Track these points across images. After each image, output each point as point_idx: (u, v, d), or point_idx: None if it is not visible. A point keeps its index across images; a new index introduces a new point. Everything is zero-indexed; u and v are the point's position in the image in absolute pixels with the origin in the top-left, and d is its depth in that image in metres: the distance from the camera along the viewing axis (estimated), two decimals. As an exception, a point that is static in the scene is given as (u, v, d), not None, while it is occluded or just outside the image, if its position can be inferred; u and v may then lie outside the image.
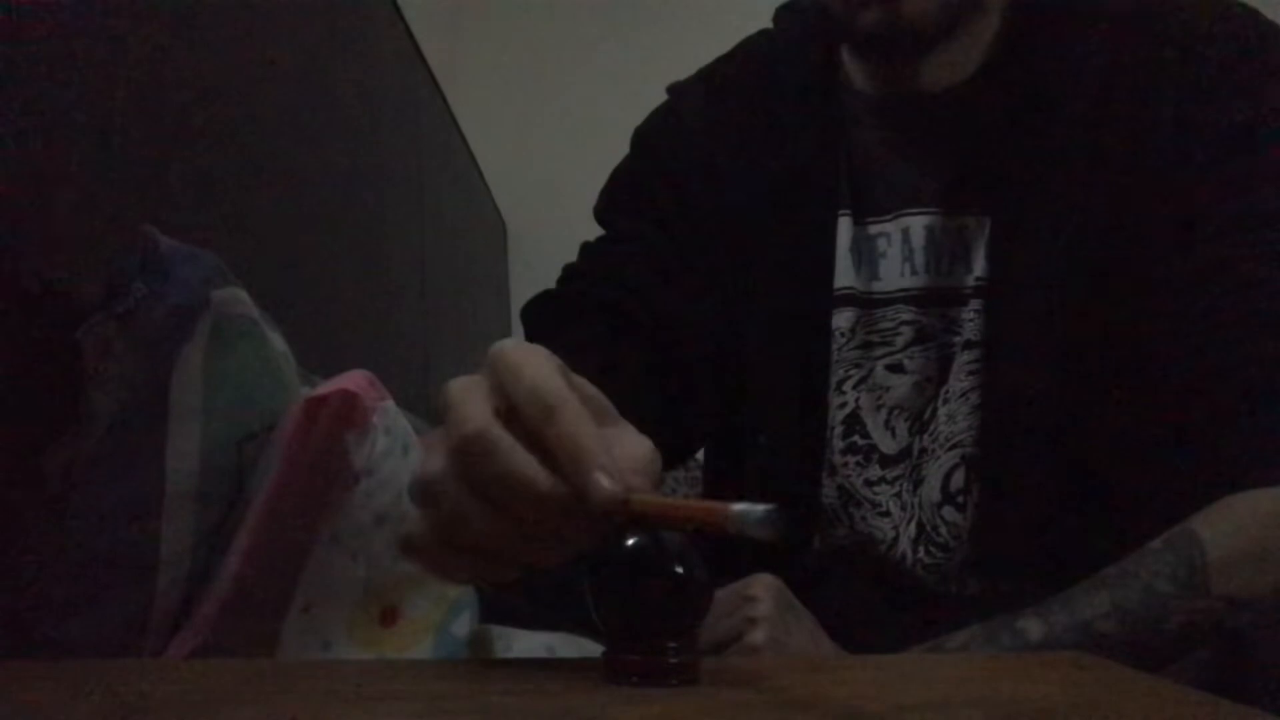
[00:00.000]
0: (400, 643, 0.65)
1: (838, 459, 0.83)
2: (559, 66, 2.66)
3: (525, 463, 0.41)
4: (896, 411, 0.81)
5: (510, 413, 0.43)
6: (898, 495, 0.81)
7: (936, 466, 0.79)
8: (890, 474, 0.81)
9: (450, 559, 0.45)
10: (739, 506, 0.38)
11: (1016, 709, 0.37)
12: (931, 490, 0.79)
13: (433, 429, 0.46)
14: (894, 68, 0.82)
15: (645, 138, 0.93)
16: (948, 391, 0.79)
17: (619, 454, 0.43)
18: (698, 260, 0.86)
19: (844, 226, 0.84)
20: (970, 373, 0.78)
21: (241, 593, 0.61)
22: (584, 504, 0.41)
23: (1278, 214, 0.73)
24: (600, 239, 0.91)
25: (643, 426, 0.48)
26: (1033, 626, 0.67)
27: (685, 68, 0.95)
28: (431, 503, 0.43)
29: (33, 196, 0.66)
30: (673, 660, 0.40)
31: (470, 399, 0.43)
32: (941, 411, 0.79)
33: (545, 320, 0.85)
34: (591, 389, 0.47)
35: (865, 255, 0.83)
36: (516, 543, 0.42)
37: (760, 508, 0.37)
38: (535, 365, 0.43)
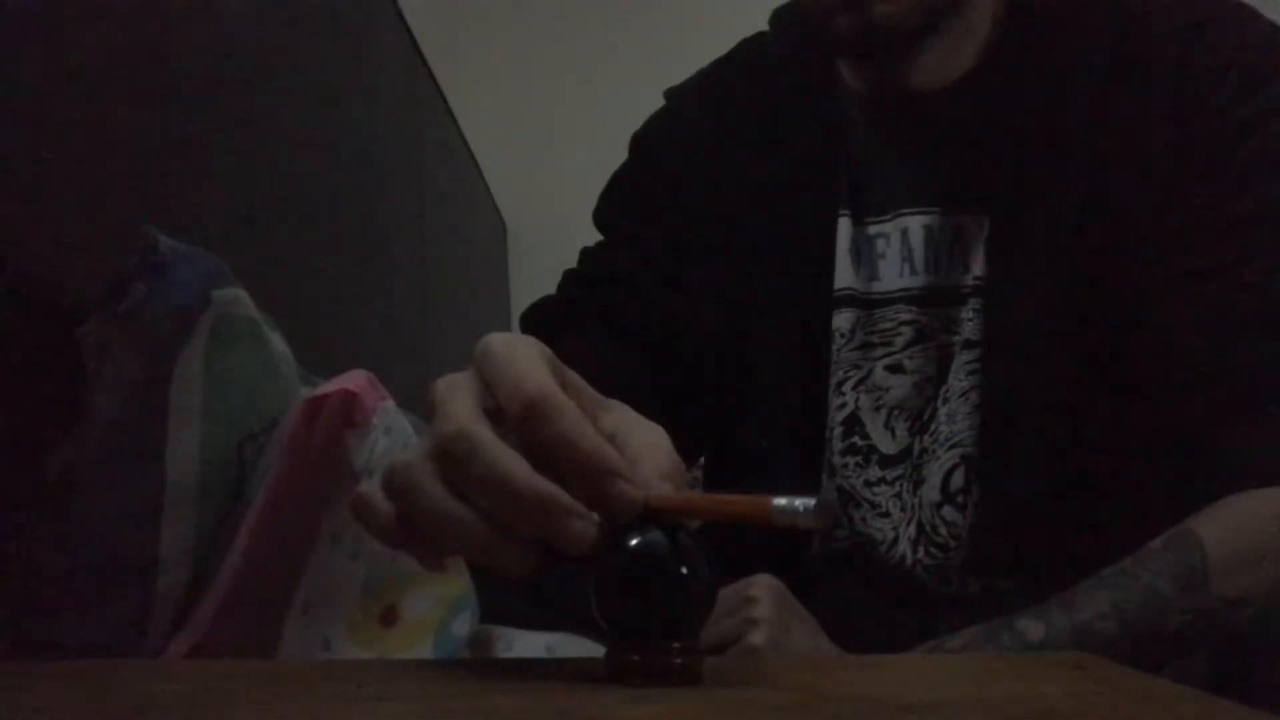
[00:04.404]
0: (400, 643, 0.65)
1: (837, 460, 0.83)
2: (559, 67, 2.66)
3: (507, 463, 0.39)
4: (896, 412, 0.81)
5: (500, 410, 0.41)
6: (897, 496, 0.81)
7: (936, 466, 0.79)
8: (890, 475, 0.81)
9: (413, 545, 0.42)
10: (781, 500, 0.38)
11: (1016, 709, 0.37)
12: (931, 490, 0.79)
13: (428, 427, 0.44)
14: (881, 69, 0.82)
15: (643, 142, 0.93)
16: (947, 391, 0.79)
17: (639, 453, 0.41)
18: (698, 263, 0.86)
19: (843, 227, 0.84)
20: (970, 372, 0.78)
21: (241, 593, 0.61)
22: (601, 508, 0.39)
23: (1277, 213, 0.73)
24: (599, 244, 0.91)
25: None
26: (1033, 627, 0.67)
27: (685, 68, 0.95)
28: (402, 497, 0.41)
29: (33, 196, 0.66)
30: (676, 660, 0.40)
31: (456, 396, 0.41)
32: (941, 411, 0.79)
33: (545, 325, 0.85)
34: (581, 381, 0.44)
35: (864, 256, 0.83)
36: (492, 546, 0.40)
37: (803, 500, 0.37)
38: (521, 361, 0.41)
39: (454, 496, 0.40)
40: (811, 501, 0.37)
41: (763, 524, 0.38)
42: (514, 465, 0.39)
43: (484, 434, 0.39)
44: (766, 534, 0.40)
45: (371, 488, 0.43)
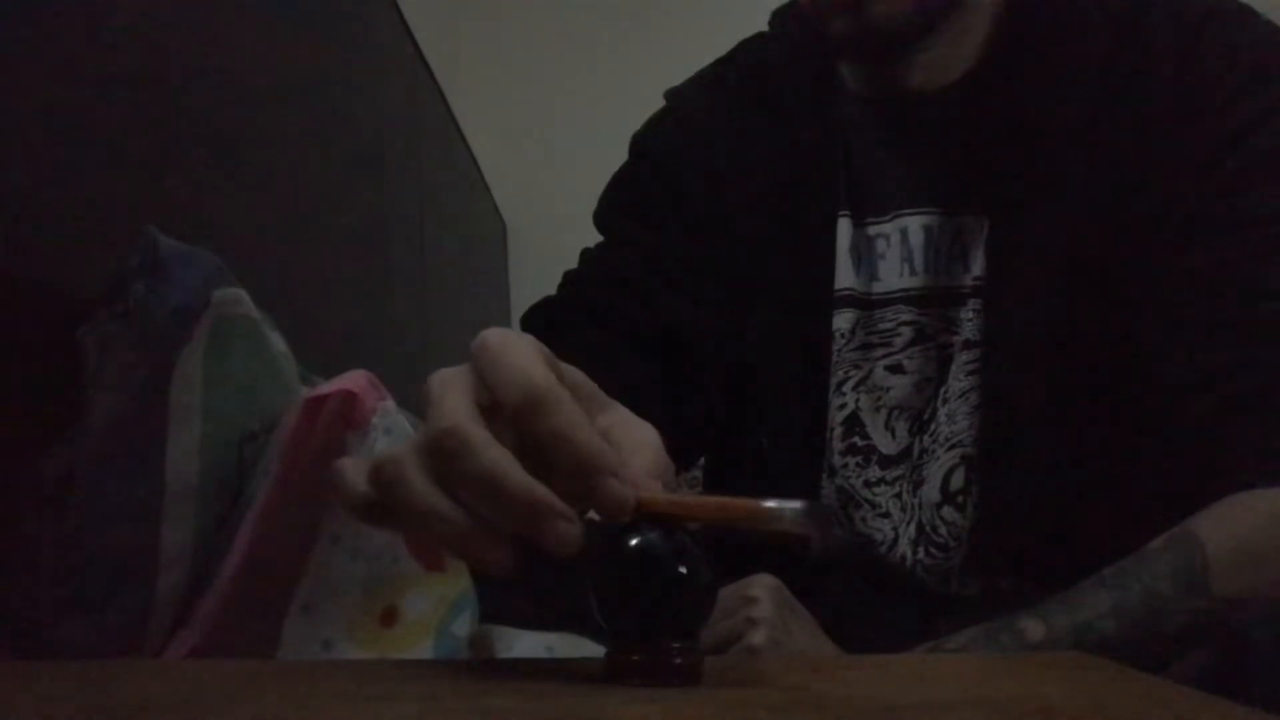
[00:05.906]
0: (400, 643, 0.65)
1: (837, 460, 0.83)
2: (559, 66, 2.66)
3: (499, 461, 0.38)
4: (896, 412, 0.81)
5: (494, 405, 0.41)
6: (897, 496, 0.81)
7: (936, 467, 0.79)
8: (890, 475, 0.81)
9: (386, 524, 0.42)
10: (772, 503, 0.37)
11: (1016, 709, 0.37)
12: (931, 490, 0.79)
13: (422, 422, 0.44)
14: (880, 70, 0.82)
15: (644, 143, 0.93)
16: (947, 391, 0.79)
17: (630, 451, 0.41)
18: (698, 264, 0.86)
19: (844, 228, 0.84)
20: (970, 372, 0.78)
21: (241, 593, 0.61)
22: (592, 506, 0.39)
23: (1276, 213, 0.73)
24: (600, 245, 0.91)
25: None
26: (1033, 626, 0.67)
27: (685, 67, 0.96)
28: (387, 490, 0.41)
29: (33, 196, 0.66)
30: (677, 661, 0.40)
31: (450, 392, 0.41)
32: (941, 412, 0.79)
33: (545, 326, 0.85)
34: (581, 376, 0.44)
35: (864, 256, 0.83)
36: (475, 543, 0.40)
37: (796, 503, 0.37)
38: (518, 355, 0.40)
39: (440, 492, 0.40)
40: (799, 504, 0.37)
41: (756, 527, 0.38)
42: (505, 464, 0.39)
43: (476, 431, 0.39)
44: (764, 536, 0.39)
45: (353, 462, 0.43)
